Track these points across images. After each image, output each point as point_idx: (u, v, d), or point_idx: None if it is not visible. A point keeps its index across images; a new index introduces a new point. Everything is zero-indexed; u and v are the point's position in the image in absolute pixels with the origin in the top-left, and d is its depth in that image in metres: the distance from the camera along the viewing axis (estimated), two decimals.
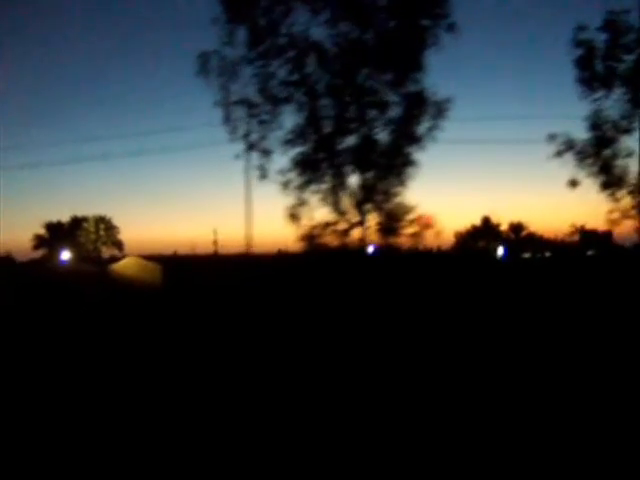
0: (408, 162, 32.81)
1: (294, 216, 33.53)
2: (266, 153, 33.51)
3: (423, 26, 31.16)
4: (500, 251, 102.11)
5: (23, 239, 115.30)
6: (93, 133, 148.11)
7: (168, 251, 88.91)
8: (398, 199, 33.38)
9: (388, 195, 33.44)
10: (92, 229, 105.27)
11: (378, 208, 33.62)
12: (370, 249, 34.87)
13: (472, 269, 69.69)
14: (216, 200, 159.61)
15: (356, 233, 33.58)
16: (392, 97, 33.36)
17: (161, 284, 72.84)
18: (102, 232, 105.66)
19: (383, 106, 33.23)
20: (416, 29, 31.19)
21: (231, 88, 33.25)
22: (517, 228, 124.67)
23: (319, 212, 33.77)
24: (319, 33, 32.70)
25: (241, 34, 32.54)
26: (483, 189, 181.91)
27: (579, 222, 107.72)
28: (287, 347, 21.89)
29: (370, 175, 33.39)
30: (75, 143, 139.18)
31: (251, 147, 33.77)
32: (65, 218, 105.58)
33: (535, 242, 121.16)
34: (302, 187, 33.29)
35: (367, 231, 33.21)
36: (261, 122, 33.65)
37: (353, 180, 33.41)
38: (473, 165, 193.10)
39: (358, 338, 22.73)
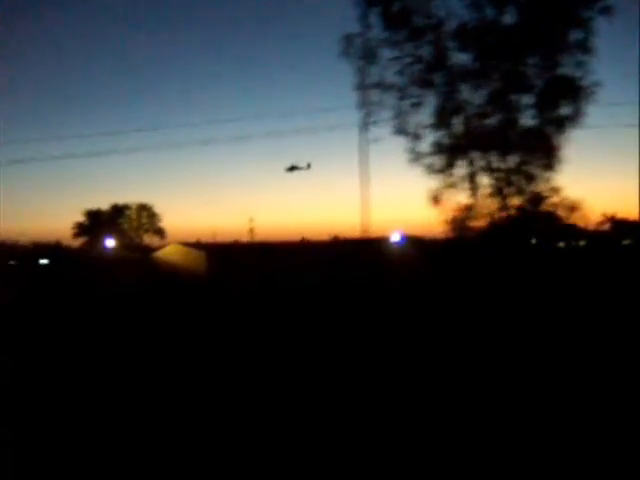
0: (552, 146, 32.21)
1: (437, 199, 33.45)
2: (416, 137, 33.36)
3: (574, 8, 30.38)
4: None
5: (65, 227, 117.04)
6: (134, 124, 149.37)
7: (209, 239, 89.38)
8: (540, 183, 32.84)
9: (531, 179, 32.96)
10: (134, 217, 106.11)
11: (520, 192, 33.18)
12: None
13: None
14: (253, 189, 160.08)
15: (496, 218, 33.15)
16: (537, 80, 32.69)
17: (205, 271, 73.43)
18: (144, 220, 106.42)
19: (528, 89, 32.68)
20: (566, 11, 30.43)
21: (369, 71, 33.22)
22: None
23: (460, 196, 33.59)
24: (462, 15, 32.24)
25: (378, 17, 32.37)
26: None
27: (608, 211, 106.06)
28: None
29: (513, 159, 32.96)
30: (116, 134, 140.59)
31: (398, 131, 33.65)
32: (105, 207, 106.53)
33: (569, 230, 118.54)
34: (444, 170, 33.16)
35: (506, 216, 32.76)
36: (404, 105, 33.49)
37: (495, 163, 33.02)
38: None
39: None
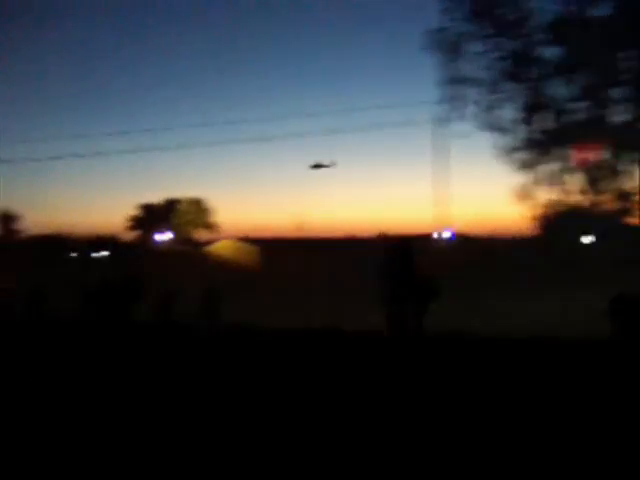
0: None
1: (525, 195, 33.07)
2: (502, 131, 32.93)
3: None
4: None
5: (118, 221, 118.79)
6: (186, 120, 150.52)
7: (257, 234, 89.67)
8: (629, 179, 32.21)
9: (621, 174, 32.37)
10: (186, 211, 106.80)
11: (610, 188, 32.61)
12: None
13: None
14: (300, 185, 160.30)
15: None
16: (630, 74, 32.07)
17: (259, 266, 73.50)
18: (196, 214, 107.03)
19: (620, 83, 32.09)
20: None
21: (454, 66, 32.84)
22: None
23: (548, 193, 33.04)
24: (551, 7, 31.64)
25: (465, 11, 31.93)
26: None
27: None
28: None
29: (603, 154, 32.44)
30: (169, 130, 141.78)
31: (485, 126, 33.24)
32: (158, 201, 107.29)
33: None
34: (533, 165, 32.78)
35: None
36: (491, 100, 33.11)
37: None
38: None
39: None
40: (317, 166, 66.97)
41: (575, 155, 32.82)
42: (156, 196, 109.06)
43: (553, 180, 32.14)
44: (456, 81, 32.73)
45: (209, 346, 19.91)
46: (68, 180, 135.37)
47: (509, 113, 32.29)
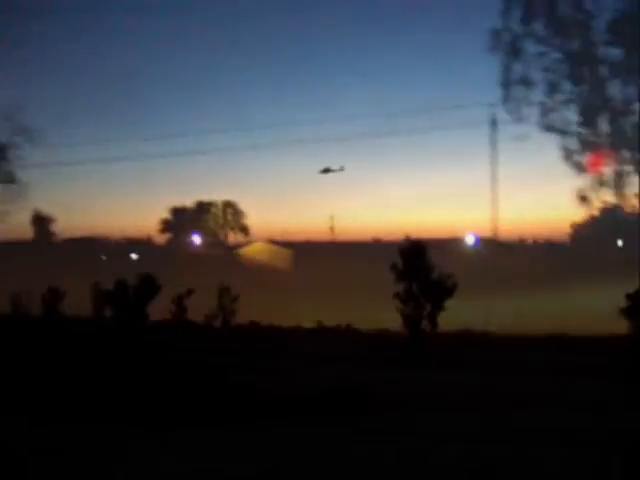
0: None
1: (584, 198, 32.02)
2: (563, 133, 31.87)
3: None
4: None
5: (150, 224, 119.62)
6: (215, 125, 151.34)
7: (288, 237, 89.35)
8: None
9: None
10: (220, 214, 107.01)
11: None
12: None
13: None
14: (334, 188, 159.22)
15: None
16: None
17: (292, 270, 73.08)
18: (229, 217, 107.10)
19: None
20: None
21: (514, 67, 31.92)
22: None
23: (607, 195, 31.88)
24: (613, 7, 30.42)
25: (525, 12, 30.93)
26: None
27: None
28: None
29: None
30: (199, 134, 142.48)
31: (546, 128, 32.24)
32: (189, 204, 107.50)
33: None
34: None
35: None
36: (552, 102, 32.07)
37: None
38: None
39: None
40: (326, 170, 67.77)
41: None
42: (186, 199, 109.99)
43: (613, 183, 30.67)
44: (516, 82, 31.45)
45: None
46: (100, 183, 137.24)
47: (569, 115, 30.81)
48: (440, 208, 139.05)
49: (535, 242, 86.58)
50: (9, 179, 63.50)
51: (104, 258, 77.06)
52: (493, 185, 39.75)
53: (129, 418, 11.59)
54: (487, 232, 52.58)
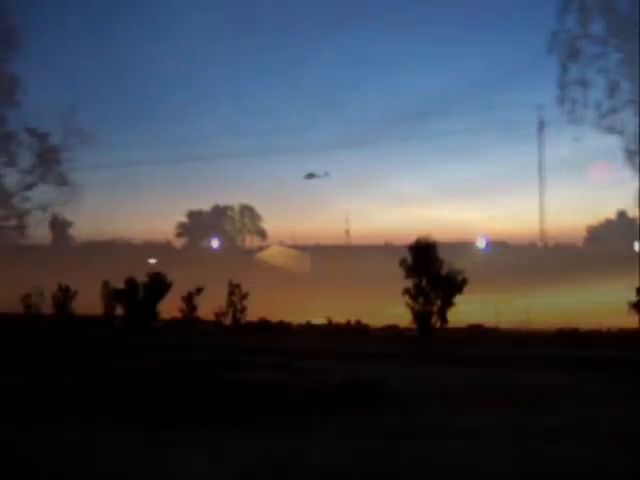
0: None
1: None
2: (621, 134, 31.25)
3: None
4: None
5: (167, 228, 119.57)
6: (228, 129, 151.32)
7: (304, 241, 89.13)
8: None
9: None
10: (238, 218, 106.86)
11: None
12: None
13: None
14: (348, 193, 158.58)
15: None
16: None
17: (310, 273, 72.86)
18: (247, 220, 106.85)
19: None
20: None
21: (571, 68, 31.35)
22: None
23: None
24: None
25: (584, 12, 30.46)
26: None
27: None
28: None
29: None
30: (216, 139, 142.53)
31: (607, 130, 31.66)
32: (207, 208, 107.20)
33: None
34: None
35: None
36: (613, 103, 31.54)
37: None
38: None
39: None
40: (310, 175, 69.02)
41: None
42: (203, 203, 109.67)
43: None
44: (573, 83, 30.87)
45: None
46: (116, 187, 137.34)
47: (629, 116, 30.21)
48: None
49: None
50: (62, 181, 63.92)
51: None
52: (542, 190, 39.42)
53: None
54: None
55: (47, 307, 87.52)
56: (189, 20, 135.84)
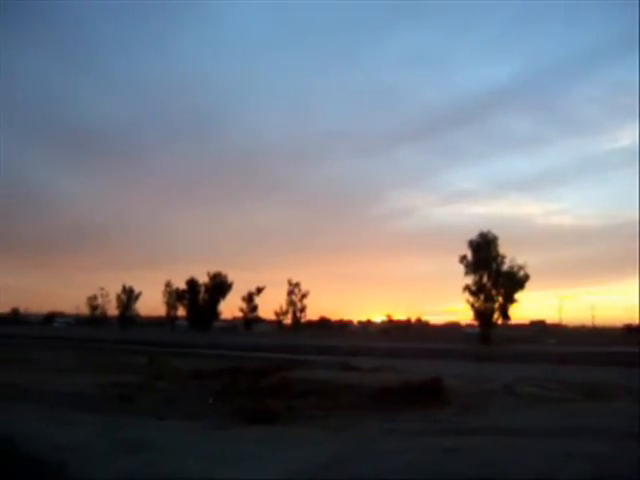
0: None
1: None
2: None
3: None
4: None
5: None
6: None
7: None
8: None
9: None
10: None
11: None
12: None
13: None
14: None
15: None
16: None
17: None
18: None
19: None
20: None
21: None
22: None
23: None
24: None
25: None
26: None
27: None
28: None
29: None
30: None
31: None
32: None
33: None
34: None
35: None
36: None
37: None
38: None
39: None
40: None
41: None
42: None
43: None
44: None
45: None
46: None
47: None
48: None
49: None
50: None
51: None
52: None
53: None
54: None
55: (112, 308, 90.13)
56: (245, 30, 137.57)
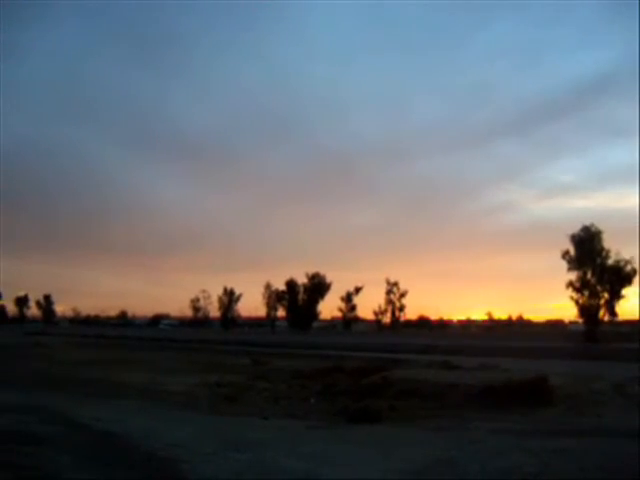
0: None
1: None
2: None
3: None
4: None
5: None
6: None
7: None
8: None
9: None
10: None
11: None
12: None
13: None
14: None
15: None
16: None
17: None
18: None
19: None
20: None
21: None
22: None
23: None
24: None
25: None
26: None
27: None
28: None
29: None
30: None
31: None
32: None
33: None
34: None
35: None
36: None
37: None
38: None
39: None
40: None
41: None
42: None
43: None
44: None
45: None
46: None
47: None
48: None
49: None
50: None
51: None
52: None
53: None
54: None
55: (214, 309, 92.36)
56: (338, 30, 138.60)
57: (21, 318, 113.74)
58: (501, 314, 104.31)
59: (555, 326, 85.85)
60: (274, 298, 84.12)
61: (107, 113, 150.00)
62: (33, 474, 6.50)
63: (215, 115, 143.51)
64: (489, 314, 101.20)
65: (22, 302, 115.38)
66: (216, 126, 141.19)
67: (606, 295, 39.54)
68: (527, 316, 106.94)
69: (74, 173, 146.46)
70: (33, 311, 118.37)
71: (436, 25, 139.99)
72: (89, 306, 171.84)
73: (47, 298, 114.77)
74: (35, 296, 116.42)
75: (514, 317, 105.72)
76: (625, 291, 40.88)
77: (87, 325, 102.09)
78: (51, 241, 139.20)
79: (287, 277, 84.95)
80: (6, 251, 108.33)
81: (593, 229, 42.08)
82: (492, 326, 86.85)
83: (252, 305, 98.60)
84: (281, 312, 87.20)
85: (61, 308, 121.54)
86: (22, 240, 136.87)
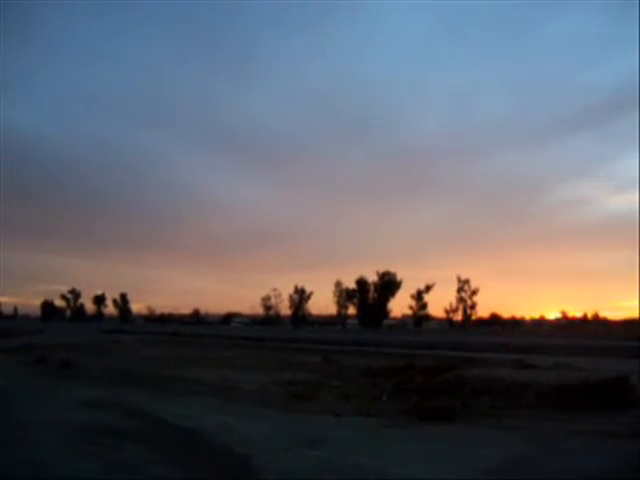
0: None
1: None
2: None
3: None
4: None
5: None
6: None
7: None
8: None
9: None
10: None
11: None
12: None
13: None
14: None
15: None
16: None
17: None
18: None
19: None
20: None
21: None
22: None
23: None
24: None
25: None
26: None
27: None
28: None
29: None
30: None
31: None
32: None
33: None
34: None
35: None
36: None
37: None
38: None
39: None
40: None
41: None
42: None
43: None
44: None
45: None
46: None
47: None
48: None
49: None
50: None
51: None
52: None
53: None
54: None
55: (285, 308, 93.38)
56: (404, 27, 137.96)
57: (99, 316, 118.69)
58: (576, 312, 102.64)
59: (632, 325, 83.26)
60: (344, 296, 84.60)
61: (183, 116, 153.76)
62: (116, 465, 6.83)
63: (288, 115, 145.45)
64: (563, 312, 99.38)
65: (99, 301, 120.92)
66: (289, 127, 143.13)
67: None
68: (603, 314, 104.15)
69: (150, 176, 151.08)
70: (110, 309, 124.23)
71: (503, 17, 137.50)
72: (163, 304, 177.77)
73: (123, 297, 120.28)
74: (112, 295, 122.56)
75: (589, 315, 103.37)
76: None
77: (161, 323, 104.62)
78: (127, 242, 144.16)
79: (357, 275, 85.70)
80: (85, 252, 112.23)
81: None
82: (566, 324, 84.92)
83: (322, 303, 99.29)
84: (351, 310, 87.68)
85: (136, 306, 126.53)
86: (100, 242, 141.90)
